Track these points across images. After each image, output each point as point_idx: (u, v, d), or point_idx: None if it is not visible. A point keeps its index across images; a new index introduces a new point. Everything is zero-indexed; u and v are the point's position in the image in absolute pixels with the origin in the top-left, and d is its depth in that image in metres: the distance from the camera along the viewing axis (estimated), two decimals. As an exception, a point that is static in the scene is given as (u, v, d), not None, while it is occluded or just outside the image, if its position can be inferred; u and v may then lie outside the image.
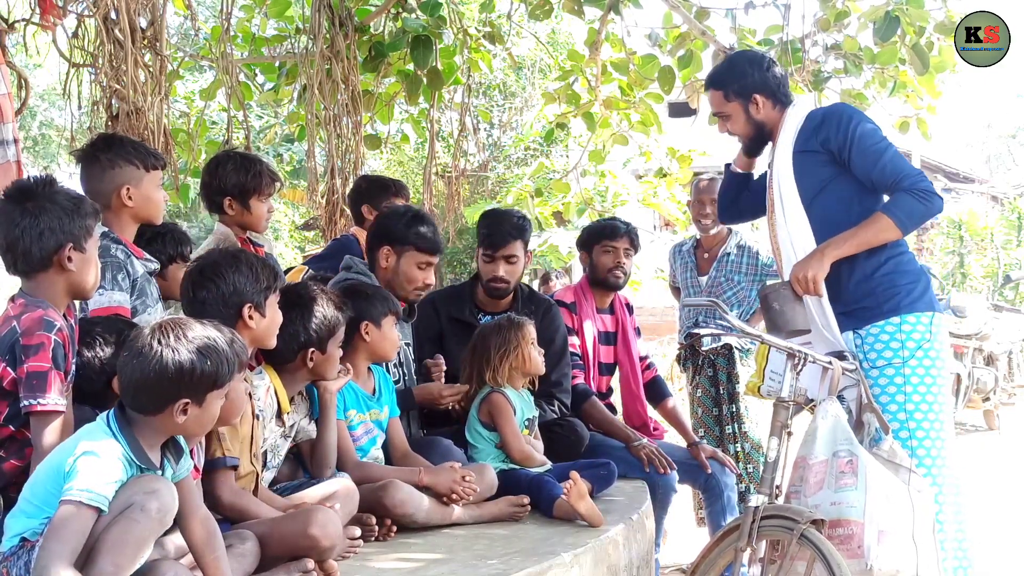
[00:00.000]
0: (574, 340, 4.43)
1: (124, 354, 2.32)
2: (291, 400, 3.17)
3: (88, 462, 2.15)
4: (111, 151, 3.18)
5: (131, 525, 2.12)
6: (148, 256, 3.28)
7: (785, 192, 3.58)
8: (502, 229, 4.19)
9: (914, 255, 3.64)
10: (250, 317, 2.85)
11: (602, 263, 4.56)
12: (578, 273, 7.40)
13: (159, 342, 2.25)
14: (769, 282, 3.72)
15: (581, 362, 4.43)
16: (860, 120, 3.53)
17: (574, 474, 3.39)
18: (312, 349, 3.13)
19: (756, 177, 3.94)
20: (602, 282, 4.59)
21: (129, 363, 2.27)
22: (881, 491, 3.12)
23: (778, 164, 3.62)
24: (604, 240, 4.58)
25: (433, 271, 3.94)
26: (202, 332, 2.32)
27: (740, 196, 3.96)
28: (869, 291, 3.46)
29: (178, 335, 2.27)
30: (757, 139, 3.75)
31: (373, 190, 4.88)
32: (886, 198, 3.53)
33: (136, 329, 2.41)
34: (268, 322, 2.91)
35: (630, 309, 4.75)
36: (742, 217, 4.12)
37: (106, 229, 3.17)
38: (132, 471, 2.21)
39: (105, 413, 2.30)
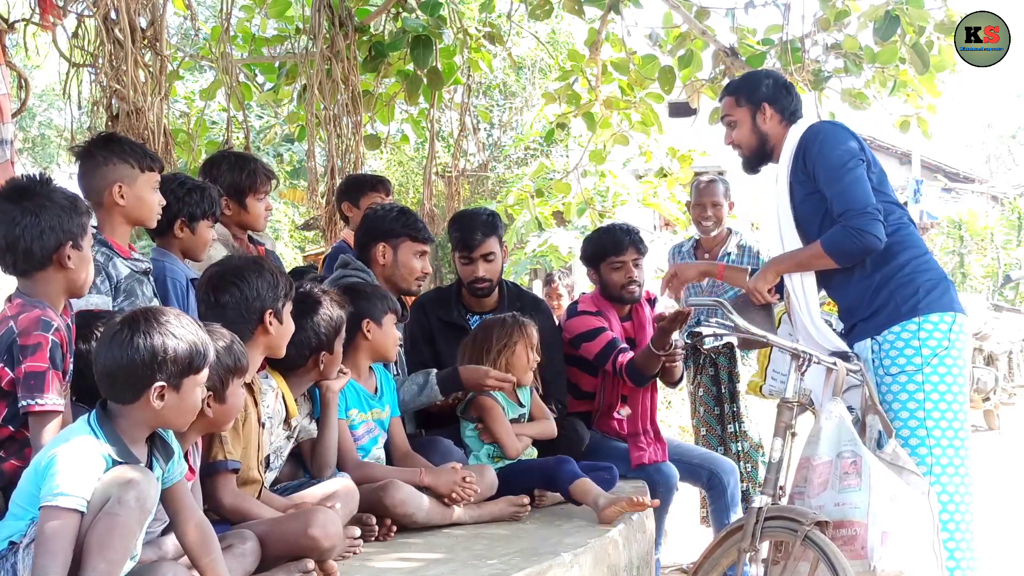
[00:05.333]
0: (608, 333, 4.28)
1: (96, 344, 2.32)
2: (295, 402, 3.17)
3: (62, 463, 2.14)
4: (107, 148, 3.17)
5: (113, 520, 2.11)
6: (139, 256, 3.27)
7: (782, 218, 3.62)
8: (473, 229, 4.17)
9: (934, 259, 3.64)
10: (270, 324, 2.87)
11: (614, 281, 4.36)
12: (580, 271, 7.35)
13: (130, 328, 2.24)
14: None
15: (624, 345, 4.29)
16: (821, 145, 3.51)
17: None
18: (323, 352, 3.16)
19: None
20: (618, 299, 4.41)
21: (101, 351, 2.27)
22: (885, 492, 3.11)
23: (780, 188, 3.64)
24: (610, 257, 4.35)
25: (428, 260, 3.96)
26: (176, 319, 2.31)
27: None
28: (889, 294, 3.44)
29: (150, 321, 2.26)
30: (758, 153, 3.75)
31: (350, 188, 4.89)
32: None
33: (109, 319, 2.40)
34: (284, 329, 2.94)
35: (652, 302, 4.58)
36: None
37: (94, 230, 3.16)
38: (112, 467, 2.20)
39: (88, 412, 2.29)
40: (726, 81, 5.64)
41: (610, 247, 4.36)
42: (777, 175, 3.67)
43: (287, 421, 3.13)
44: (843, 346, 3.48)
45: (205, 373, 2.34)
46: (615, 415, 4.38)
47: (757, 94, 3.69)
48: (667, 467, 4.18)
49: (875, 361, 3.44)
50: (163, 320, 2.28)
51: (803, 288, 3.57)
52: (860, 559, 3.05)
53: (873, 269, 3.47)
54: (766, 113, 3.67)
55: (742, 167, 3.85)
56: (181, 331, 2.28)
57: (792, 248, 3.60)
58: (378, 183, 4.94)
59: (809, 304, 3.54)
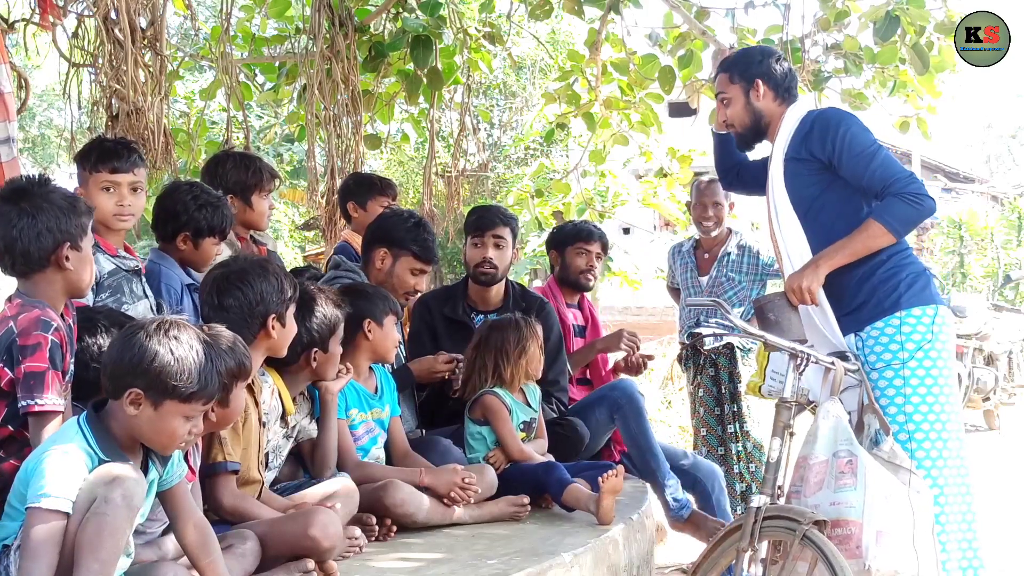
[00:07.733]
0: None
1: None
2: (293, 400, 3.17)
3: (47, 464, 2.14)
4: (78, 153, 3.23)
5: (101, 520, 2.09)
6: (125, 254, 3.26)
7: (778, 199, 3.56)
8: (490, 214, 4.31)
9: (914, 253, 3.62)
10: (272, 328, 2.86)
11: (575, 265, 4.68)
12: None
13: (143, 329, 2.23)
14: (766, 292, 3.72)
15: None
16: (848, 125, 3.49)
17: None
18: (315, 349, 3.14)
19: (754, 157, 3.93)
20: (573, 283, 4.70)
21: (112, 341, 2.29)
22: (880, 491, 3.11)
23: (773, 169, 3.59)
24: (579, 243, 4.69)
25: (424, 280, 3.97)
26: (193, 340, 2.25)
27: (736, 164, 3.95)
28: (871, 289, 3.42)
29: (168, 330, 2.23)
30: (753, 130, 3.69)
31: (359, 188, 4.90)
32: None
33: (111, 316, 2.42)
34: (287, 333, 2.93)
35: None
36: (741, 186, 4.04)
37: None
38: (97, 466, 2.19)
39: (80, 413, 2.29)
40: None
41: (583, 234, 4.75)
42: (771, 160, 3.62)
43: (283, 419, 3.13)
44: (843, 344, 3.45)
45: (195, 408, 2.26)
46: None
47: (751, 70, 3.64)
48: (621, 382, 4.32)
49: (859, 357, 3.42)
50: (174, 335, 2.22)
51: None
52: (855, 558, 3.05)
53: (855, 264, 3.43)
54: (759, 89, 3.62)
55: (736, 144, 3.82)
56: (185, 354, 2.21)
57: (792, 237, 3.51)
58: (386, 187, 4.94)
59: (821, 301, 3.44)
